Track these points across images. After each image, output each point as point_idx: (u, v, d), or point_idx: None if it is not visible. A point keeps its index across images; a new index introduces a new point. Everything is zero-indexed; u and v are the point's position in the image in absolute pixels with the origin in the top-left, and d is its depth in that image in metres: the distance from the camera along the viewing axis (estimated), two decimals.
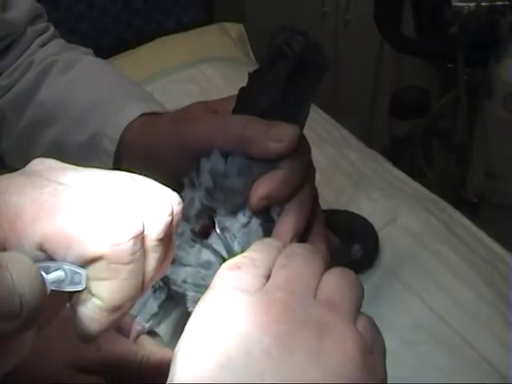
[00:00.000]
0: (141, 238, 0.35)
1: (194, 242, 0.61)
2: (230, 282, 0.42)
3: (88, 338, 0.35)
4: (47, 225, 0.33)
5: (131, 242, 0.34)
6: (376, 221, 0.89)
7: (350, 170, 1.03)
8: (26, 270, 0.31)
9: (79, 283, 0.34)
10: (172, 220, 0.37)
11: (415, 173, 1.06)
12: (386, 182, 1.01)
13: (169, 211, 0.37)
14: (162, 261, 0.38)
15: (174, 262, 0.60)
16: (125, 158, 0.73)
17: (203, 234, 0.61)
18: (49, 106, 0.81)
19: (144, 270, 0.37)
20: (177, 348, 0.38)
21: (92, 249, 0.34)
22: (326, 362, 0.37)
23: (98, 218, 0.34)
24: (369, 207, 0.94)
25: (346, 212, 0.90)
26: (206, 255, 0.60)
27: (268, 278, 0.43)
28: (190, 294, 0.61)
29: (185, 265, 0.61)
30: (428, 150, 1.77)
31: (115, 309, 0.35)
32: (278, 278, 0.42)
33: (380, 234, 0.88)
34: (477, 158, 1.50)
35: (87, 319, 0.34)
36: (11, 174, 0.36)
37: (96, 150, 0.74)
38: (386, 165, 1.06)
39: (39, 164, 0.39)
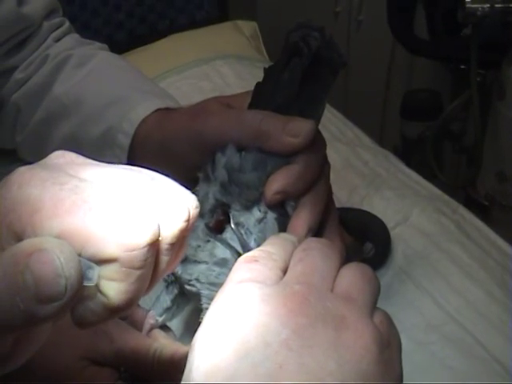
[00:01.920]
0: (155, 244, 0.35)
1: (209, 237, 0.61)
2: (248, 275, 0.42)
3: (82, 326, 0.35)
4: (65, 221, 0.33)
5: (146, 249, 0.34)
6: (388, 220, 0.89)
7: (363, 170, 1.03)
8: (71, 255, 0.32)
9: (91, 279, 0.34)
10: (187, 225, 0.37)
11: (426, 174, 1.05)
12: (398, 182, 1.01)
13: (185, 217, 0.37)
14: (170, 262, 0.38)
15: (186, 259, 0.61)
16: (139, 153, 0.73)
17: (218, 230, 0.61)
18: (63, 100, 0.81)
19: (153, 272, 0.37)
20: (194, 339, 0.39)
21: (107, 251, 0.34)
22: (344, 355, 0.37)
23: (116, 220, 0.34)
24: (381, 206, 0.94)
25: (358, 210, 0.90)
26: (221, 251, 0.60)
27: (285, 271, 0.44)
28: (205, 292, 0.61)
29: (198, 262, 0.61)
30: (439, 152, 1.77)
31: (118, 309, 0.35)
32: (295, 271, 0.43)
33: (392, 234, 0.88)
34: (488, 160, 1.49)
35: (89, 311, 0.35)
36: (32, 166, 0.36)
37: (110, 145, 0.75)
38: (399, 164, 1.06)
39: (60, 157, 0.39)
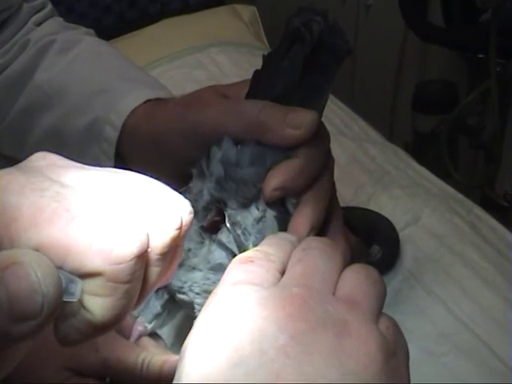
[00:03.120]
0: (144, 255, 0.35)
1: (203, 240, 0.61)
2: (243, 276, 0.42)
3: (65, 344, 0.35)
4: (44, 232, 0.33)
5: (133, 262, 0.34)
6: (397, 220, 0.89)
7: (370, 166, 1.04)
8: (50, 270, 0.32)
9: (74, 294, 0.34)
10: (180, 233, 0.37)
11: (440, 172, 1.06)
12: (408, 180, 1.01)
13: (177, 224, 0.37)
14: (163, 274, 0.38)
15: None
16: (127, 147, 0.73)
17: (213, 231, 0.61)
18: (46, 89, 0.81)
19: (141, 285, 0.37)
20: (184, 345, 0.39)
21: (90, 264, 0.33)
22: (346, 363, 0.37)
23: (100, 229, 0.34)
24: (390, 206, 0.94)
25: (365, 210, 0.91)
26: (217, 255, 0.60)
27: (283, 273, 0.44)
28: (199, 301, 0.61)
29: (192, 268, 0.61)
30: (454, 148, 1.77)
31: (104, 326, 0.35)
32: (294, 273, 0.43)
33: (401, 235, 0.88)
34: (508, 157, 1.50)
35: (72, 329, 0.35)
36: (10, 170, 0.36)
37: (97, 137, 0.75)
38: (409, 161, 1.07)
39: (41, 159, 0.38)
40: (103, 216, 0.34)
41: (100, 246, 0.33)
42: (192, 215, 0.39)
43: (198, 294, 0.60)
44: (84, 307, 0.34)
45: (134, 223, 0.35)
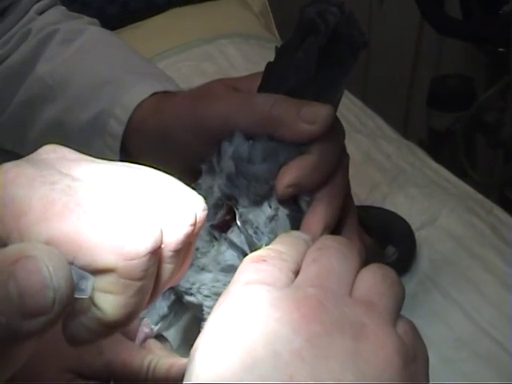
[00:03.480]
0: (157, 252, 0.35)
1: (213, 239, 0.61)
2: (255, 276, 0.42)
3: (74, 344, 0.35)
4: (55, 226, 0.33)
5: (147, 258, 0.34)
6: (413, 221, 0.89)
7: (385, 164, 1.04)
8: (62, 264, 0.32)
9: (85, 290, 0.34)
10: (194, 230, 0.37)
11: (456, 172, 1.06)
12: (425, 178, 1.01)
13: (191, 220, 0.37)
14: (176, 272, 0.39)
15: None
16: (134, 142, 0.74)
17: (223, 229, 0.61)
18: (48, 81, 0.82)
19: (154, 282, 0.37)
20: (195, 346, 0.39)
21: (103, 260, 0.34)
22: (363, 367, 0.37)
23: (113, 225, 0.34)
24: (405, 205, 0.94)
25: (380, 209, 0.91)
26: (228, 256, 0.60)
27: (296, 273, 0.44)
28: (208, 303, 0.61)
29: (201, 269, 0.61)
30: (471, 146, 1.77)
31: (115, 324, 0.35)
32: (308, 273, 0.43)
33: (417, 236, 0.88)
34: None
35: (82, 327, 0.35)
36: (18, 162, 0.36)
37: (101, 132, 0.75)
38: (425, 159, 1.07)
39: (51, 152, 0.38)
40: (116, 211, 0.34)
41: (112, 241, 0.33)
42: (206, 212, 0.39)
43: (206, 296, 0.61)
44: (95, 305, 0.34)
45: (147, 218, 0.35)
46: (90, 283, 0.34)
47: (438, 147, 1.80)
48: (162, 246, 0.36)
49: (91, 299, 0.34)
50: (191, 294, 0.61)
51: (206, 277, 0.61)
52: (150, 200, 0.37)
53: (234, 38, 1.35)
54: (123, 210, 0.35)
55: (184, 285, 0.61)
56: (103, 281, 0.34)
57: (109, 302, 0.34)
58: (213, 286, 0.60)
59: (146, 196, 0.37)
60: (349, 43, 0.61)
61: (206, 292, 0.61)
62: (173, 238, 0.36)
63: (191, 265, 0.60)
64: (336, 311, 0.39)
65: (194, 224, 0.37)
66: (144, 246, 0.34)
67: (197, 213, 0.38)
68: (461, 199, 0.97)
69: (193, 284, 0.61)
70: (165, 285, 0.38)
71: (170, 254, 0.37)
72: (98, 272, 0.34)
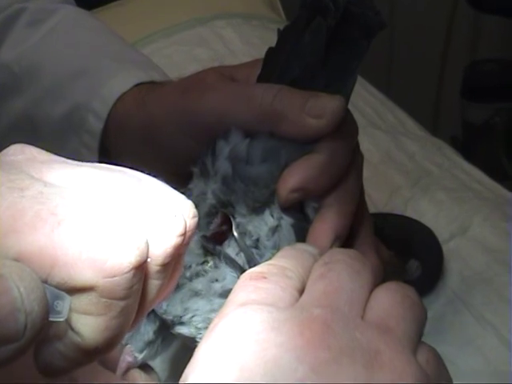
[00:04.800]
0: (143, 266, 0.36)
1: (206, 253, 0.61)
2: (254, 295, 0.43)
3: (49, 374, 0.35)
4: (26, 239, 0.33)
5: (131, 273, 0.34)
6: (440, 230, 0.90)
7: (407, 164, 1.04)
8: (34, 283, 0.32)
9: (60, 312, 0.34)
10: (183, 240, 0.38)
11: (494, 172, 1.06)
12: (455, 181, 1.01)
13: (180, 230, 0.37)
14: (163, 289, 0.39)
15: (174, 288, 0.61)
16: (114, 140, 0.74)
17: (217, 242, 0.61)
18: (14, 69, 0.81)
19: (139, 301, 0.37)
20: (184, 375, 0.39)
21: (81, 277, 0.34)
22: None
23: (92, 237, 0.34)
24: (431, 212, 0.94)
25: (401, 217, 0.91)
26: (227, 279, 0.60)
27: (301, 292, 0.44)
28: (202, 336, 0.60)
29: (194, 293, 0.61)
30: None
31: (95, 351, 0.35)
32: (314, 292, 0.43)
33: (445, 248, 0.88)
34: None
35: (57, 354, 0.35)
36: None
37: (77, 128, 0.76)
38: (455, 158, 1.07)
39: (18, 153, 0.38)
40: (95, 220, 0.34)
41: (92, 255, 0.34)
42: (196, 219, 0.39)
43: (201, 328, 0.60)
44: (72, 328, 0.35)
45: (130, 229, 0.35)
46: (66, 304, 0.34)
47: (474, 144, 1.80)
48: (148, 259, 0.36)
49: (68, 322, 0.34)
50: (182, 324, 0.61)
51: (200, 304, 0.60)
52: (134, 207, 0.37)
53: (232, 19, 1.35)
54: (103, 220, 0.35)
55: (173, 311, 0.61)
56: (81, 301, 0.34)
57: (88, 324, 0.35)
58: (208, 318, 0.60)
59: (128, 203, 0.37)
60: (362, 24, 0.61)
61: (200, 324, 0.60)
62: (160, 250, 0.37)
63: (181, 286, 0.60)
64: (346, 336, 0.40)
65: (184, 234, 0.37)
66: (127, 260, 0.34)
67: (186, 221, 0.38)
68: (497, 205, 0.97)
69: (185, 311, 0.61)
70: (151, 304, 0.38)
71: (157, 268, 0.37)
72: (75, 291, 0.34)
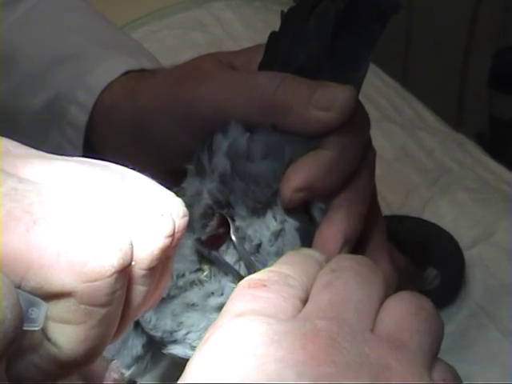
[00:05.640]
0: (126, 270, 0.36)
1: (201, 260, 0.61)
2: (252, 305, 0.43)
3: None
4: None
5: (113, 278, 0.34)
6: (462, 236, 0.90)
7: (425, 162, 1.04)
8: (7, 289, 0.32)
9: (35, 320, 0.33)
10: (172, 242, 0.38)
11: None
12: (478, 181, 1.01)
13: (168, 230, 0.37)
14: (150, 295, 0.39)
15: (164, 299, 0.60)
16: (100, 133, 0.74)
17: (213, 246, 0.61)
18: None
19: (123, 309, 0.37)
20: None
21: (58, 282, 0.34)
22: None
23: (71, 238, 0.34)
24: (452, 215, 0.94)
25: (417, 220, 0.91)
26: (226, 289, 0.60)
27: (305, 302, 0.44)
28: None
29: (189, 306, 0.60)
30: None
31: (74, 363, 0.35)
32: (319, 302, 0.44)
33: (467, 255, 0.89)
34: None
35: (32, 367, 0.35)
36: None
37: (58, 121, 0.76)
38: (479, 155, 1.07)
39: None
40: (74, 219, 0.34)
41: (70, 257, 0.34)
42: (187, 218, 0.39)
43: (195, 348, 0.59)
44: (48, 338, 0.35)
45: (113, 229, 0.35)
46: (42, 311, 0.34)
47: (502, 140, 1.79)
48: (132, 262, 0.36)
49: (44, 331, 0.34)
50: (175, 342, 0.61)
51: (196, 319, 0.60)
52: (117, 206, 0.37)
53: (231, 0, 1.35)
54: (83, 219, 0.35)
55: (163, 325, 0.61)
56: (59, 308, 0.34)
57: (65, 334, 0.35)
58: (203, 327, 0.60)
59: (111, 201, 0.37)
60: (374, 7, 0.61)
61: (196, 342, 0.60)
62: (146, 252, 0.37)
63: (173, 297, 0.60)
64: (353, 350, 0.40)
65: (172, 235, 0.37)
66: (109, 263, 0.34)
67: (175, 220, 0.38)
68: None
69: (178, 326, 0.61)
70: (136, 312, 0.38)
71: (143, 272, 0.37)
72: (52, 297, 0.34)
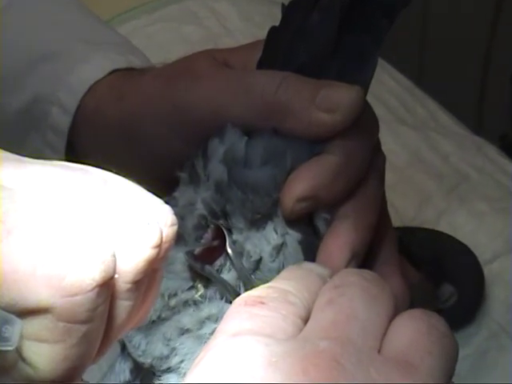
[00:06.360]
0: (109, 284, 0.36)
1: (194, 277, 0.61)
2: (249, 324, 0.43)
3: None
4: None
5: (94, 292, 0.35)
6: (481, 249, 0.90)
7: (440, 168, 1.04)
8: None
9: (8, 340, 0.34)
10: (159, 253, 0.38)
11: None
12: (499, 189, 1.01)
13: (155, 240, 0.38)
14: (135, 311, 0.39)
15: (155, 322, 0.60)
16: (84, 139, 0.75)
17: (208, 261, 0.60)
18: None
19: (105, 326, 0.37)
20: None
21: (34, 297, 0.34)
22: None
23: (48, 249, 0.34)
24: (470, 226, 0.94)
25: (432, 232, 0.92)
26: (223, 312, 0.57)
27: (306, 321, 0.45)
28: None
29: (182, 331, 0.60)
30: None
31: None
32: (321, 320, 0.44)
33: (487, 271, 0.89)
34: None
35: None
36: None
37: (38, 124, 0.76)
38: (500, 160, 1.07)
39: None
40: (52, 229, 0.35)
41: (47, 270, 0.34)
42: (175, 227, 0.39)
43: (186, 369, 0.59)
44: (23, 359, 0.35)
45: (94, 239, 0.35)
46: (16, 329, 0.34)
47: None
48: (116, 275, 0.36)
49: (18, 351, 0.35)
50: (168, 371, 0.60)
51: (190, 345, 0.60)
52: (98, 213, 0.37)
53: None
54: (62, 228, 0.35)
55: (154, 351, 0.60)
56: (35, 325, 0.34)
57: (42, 354, 0.35)
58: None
59: (92, 208, 0.37)
60: (382, 0, 0.62)
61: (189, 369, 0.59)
62: (130, 264, 0.37)
63: (164, 319, 0.60)
64: (358, 373, 0.40)
65: (159, 245, 0.38)
66: (90, 276, 0.34)
67: (163, 229, 0.38)
68: None
69: (171, 352, 0.60)
70: (120, 330, 0.39)
71: (127, 286, 0.37)
72: (27, 313, 0.34)
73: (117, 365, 0.65)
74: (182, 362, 0.60)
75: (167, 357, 0.60)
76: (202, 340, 0.59)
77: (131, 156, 0.68)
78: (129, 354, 0.63)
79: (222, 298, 0.60)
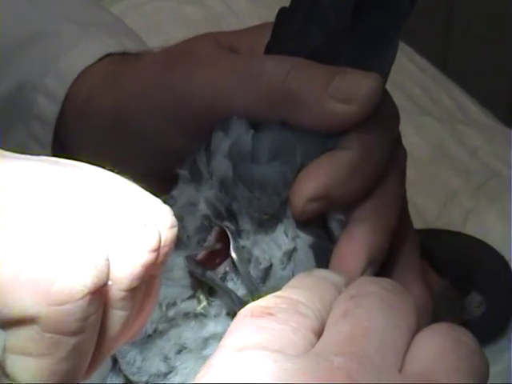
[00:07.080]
0: (102, 291, 0.36)
1: (194, 285, 0.61)
2: (256, 338, 0.43)
3: None
4: None
5: (85, 301, 0.35)
6: None
7: (468, 163, 1.04)
8: None
9: None
10: (157, 257, 0.38)
11: None
12: None
13: (153, 244, 0.38)
14: (130, 322, 0.39)
15: (151, 336, 0.60)
16: (74, 130, 0.75)
17: (210, 266, 0.60)
18: None
19: (97, 339, 0.37)
20: None
21: (18, 306, 0.34)
22: None
23: (35, 254, 0.34)
24: (500, 229, 0.94)
25: (458, 235, 0.92)
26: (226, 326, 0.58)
27: (319, 335, 0.45)
28: None
29: (181, 345, 0.60)
30: None
31: None
32: (336, 334, 0.44)
33: None
34: None
35: None
36: None
37: (22, 114, 0.77)
38: None
39: None
40: (38, 230, 0.35)
41: (33, 275, 0.34)
42: (175, 229, 0.39)
43: None
44: (6, 374, 0.35)
45: (86, 242, 0.35)
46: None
47: None
48: (109, 282, 0.36)
49: (1, 365, 0.35)
50: None
51: (191, 363, 0.60)
52: (91, 214, 0.37)
53: None
54: (50, 230, 0.35)
55: (150, 368, 0.61)
56: (19, 336, 0.35)
57: (27, 368, 0.35)
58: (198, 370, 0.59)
59: (83, 208, 0.37)
60: None
61: None
62: (125, 270, 0.37)
63: (161, 333, 0.60)
64: None
65: (157, 249, 0.38)
66: (81, 282, 0.34)
67: (161, 232, 0.38)
68: None
69: (170, 370, 0.60)
70: (114, 342, 0.39)
71: (122, 294, 0.37)
72: (11, 324, 0.34)
73: (108, 380, 0.64)
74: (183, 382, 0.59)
75: (165, 375, 0.60)
76: (194, 351, 0.59)
77: (126, 151, 0.68)
78: (120, 370, 0.63)
79: (228, 314, 0.59)
